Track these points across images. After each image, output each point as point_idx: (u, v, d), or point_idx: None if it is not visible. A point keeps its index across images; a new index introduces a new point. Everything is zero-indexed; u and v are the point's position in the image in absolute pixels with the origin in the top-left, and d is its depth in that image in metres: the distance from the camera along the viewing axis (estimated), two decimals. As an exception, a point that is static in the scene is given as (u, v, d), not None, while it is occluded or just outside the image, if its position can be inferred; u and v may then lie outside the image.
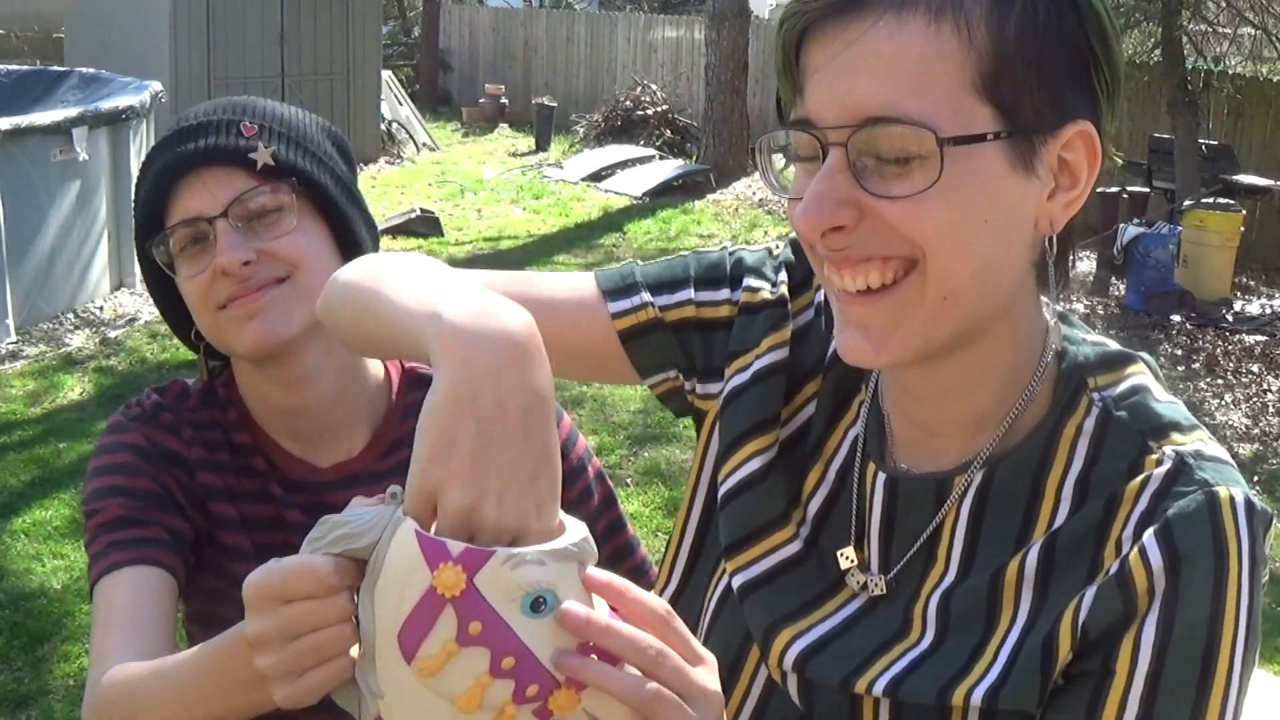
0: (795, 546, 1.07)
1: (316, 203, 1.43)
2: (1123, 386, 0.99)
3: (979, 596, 0.96)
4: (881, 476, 1.03)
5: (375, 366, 1.50)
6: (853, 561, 1.04)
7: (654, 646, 0.83)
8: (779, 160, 0.98)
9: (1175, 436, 0.95)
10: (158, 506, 1.38)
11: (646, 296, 1.14)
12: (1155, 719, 0.87)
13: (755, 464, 1.09)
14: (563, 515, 0.86)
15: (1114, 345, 1.03)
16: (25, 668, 4.05)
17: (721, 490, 1.11)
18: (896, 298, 0.92)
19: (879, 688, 0.97)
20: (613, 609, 0.85)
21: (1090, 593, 0.90)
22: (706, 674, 0.87)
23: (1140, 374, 1.00)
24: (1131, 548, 0.90)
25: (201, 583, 1.38)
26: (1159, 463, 0.93)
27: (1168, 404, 0.98)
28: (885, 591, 1.02)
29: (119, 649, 1.23)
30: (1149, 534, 0.89)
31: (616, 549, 1.61)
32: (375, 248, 1.49)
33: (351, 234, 1.46)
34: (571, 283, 1.17)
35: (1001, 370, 0.98)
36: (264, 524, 1.44)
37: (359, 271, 1.05)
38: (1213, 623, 0.88)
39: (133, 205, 1.49)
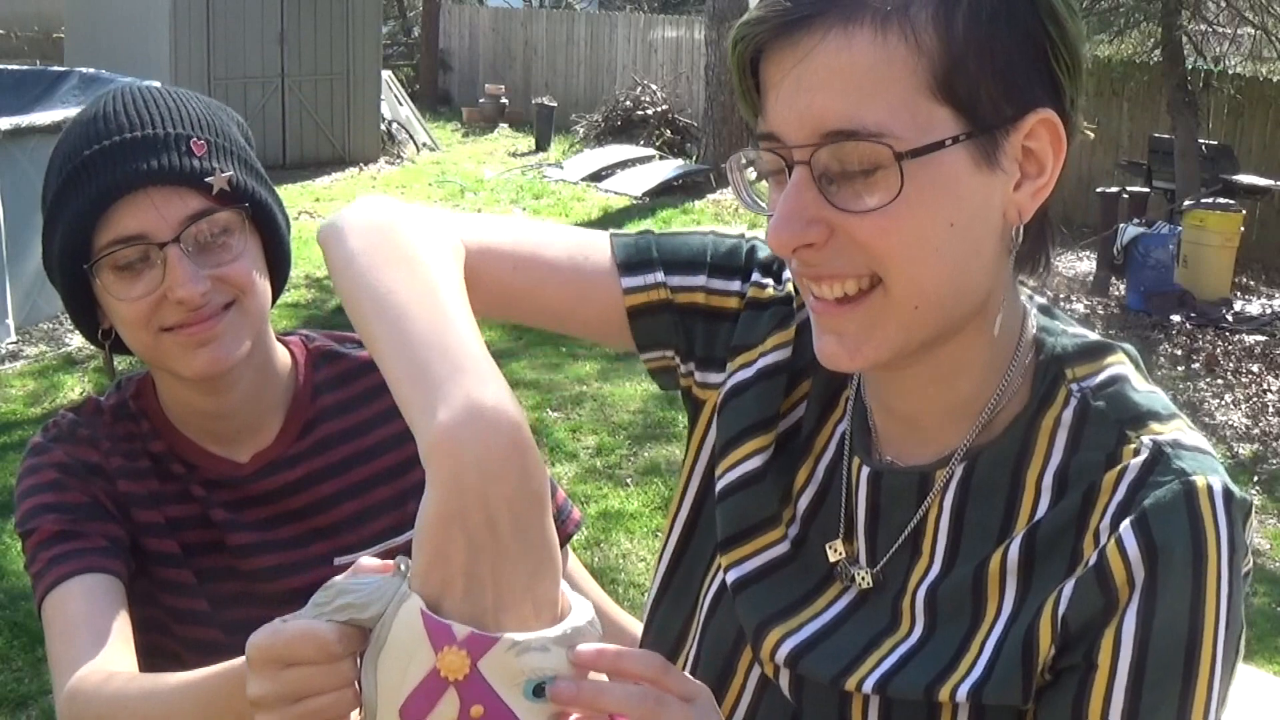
0: (784, 547, 1.08)
1: (258, 221, 1.41)
2: (1101, 377, 0.99)
3: (964, 589, 0.97)
4: (865, 470, 1.04)
5: (283, 352, 1.49)
6: (841, 554, 1.04)
7: (651, 693, 0.86)
8: (751, 174, 1.00)
9: (1153, 425, 0.95)
10: (90, 516, 1.37)
11: (660, 275, 1.14)
12: (1142, 711, 0.88)
13: (754, 462, 1.09)
14: (570, 595, 0.87)
15: (1094, 336, 1.03)
16: (25, 668, 4.05)
17: (719, 485, 1.11)
18: (868, 306, 0.93)
19: (868, 685, 0.97)
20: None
21: (1069, 586, 0.91)
22: (704, 706, 0.90)
23: (1119, 364, 1.00)
24: (1109, 539, 0.90)
25: (137, 614, 1.35)
26: (1136, 452, 0.93)
27: (1146, 393, 0.98)
28: (872, 585, 1.02)
29: (84, 657, 1.23)
30: (1125, 524, 0.89)
31: None
32: (288, 227, 1.47)
33: (282, 244, 1.46)
34: (585, 247, 1.16)
35: (980, 359, 0.99)
36: (190, 523, 1.44)
37: (361, 262, 0.98)
38: (1194, 614, 0.88)
39: (43, 204, 1.40)
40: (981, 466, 0.98)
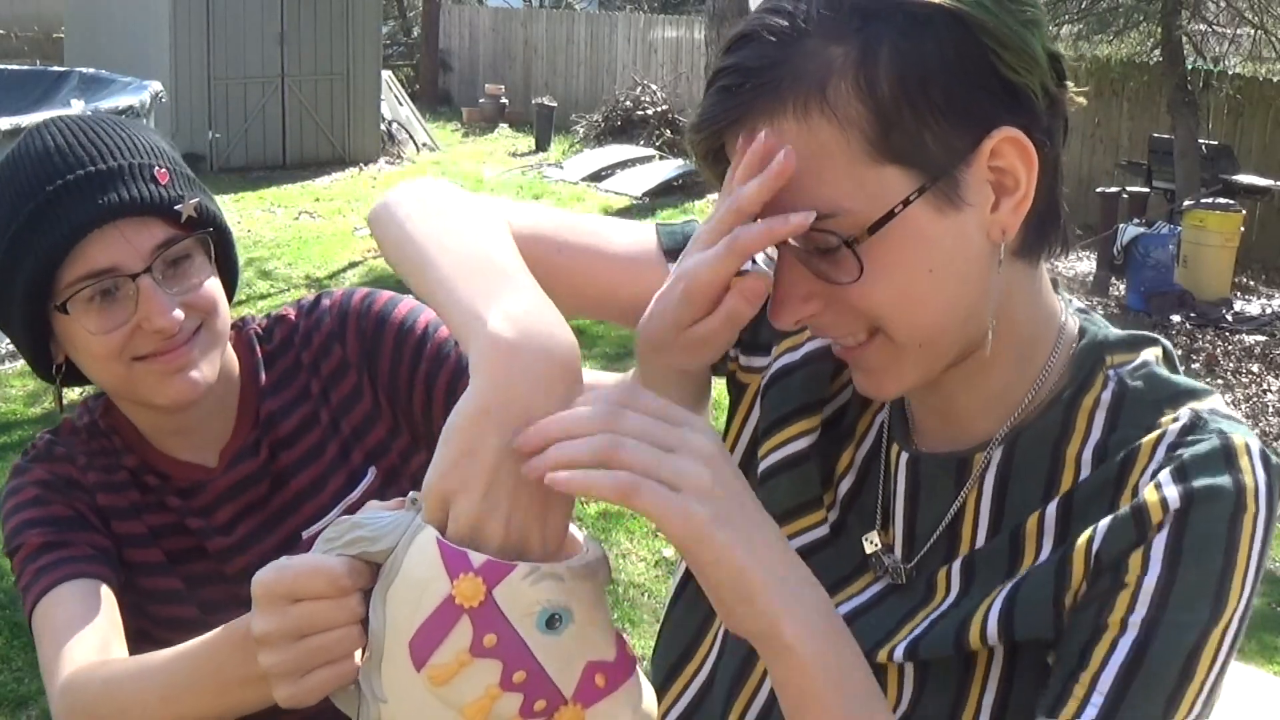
0: (824, 530, 1.09)
1: (217, 243, 1.42)
2: (1136, 362, 1.00)
3: (1000, 550, 0.97)
4: (904, 456, 1.04)
5: (232, 354, 1.49)
6: (877, 545, 1.05)
7: (605, 441, 0.82)
8: None
9: (1191, 402, 0.95)
10: (76, 527, 1.38)
11: None
12: (1163, 624, 0.86)
13: (800, 444, 1.10)
14: (579, 534, 0.87)
15: (1134, 331, 1.04)
16: (25, 668, 4.05)
17: (763, 465, 1.12)
18: (878, 348, 0.95)
19: (899, 653, 0.97)
20: None
21: (1104, 523, 0.90)
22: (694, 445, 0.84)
23: (1155, 353, 1.01)
24: (1147, 488, 0.90)
25: (126, 625, 1.35)
26: (1175, 420, 0.94)
27: (1181, 377, 0.99)
28: (906, 581, 1.03)
29: (75, 655, 1.22)
30: (1165, 473, 0.90)
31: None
32: (231, 234, 1.47)
33: (235, 258, 1.48)
34: (633, 235, 1.19)
35: (1011, 357, 0.99)
36: (170, 531, 1.45)
37: (413, 222, 1.04)
38: (1229, 551, 0.87)
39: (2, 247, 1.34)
40: (1021, 447, 0.99)
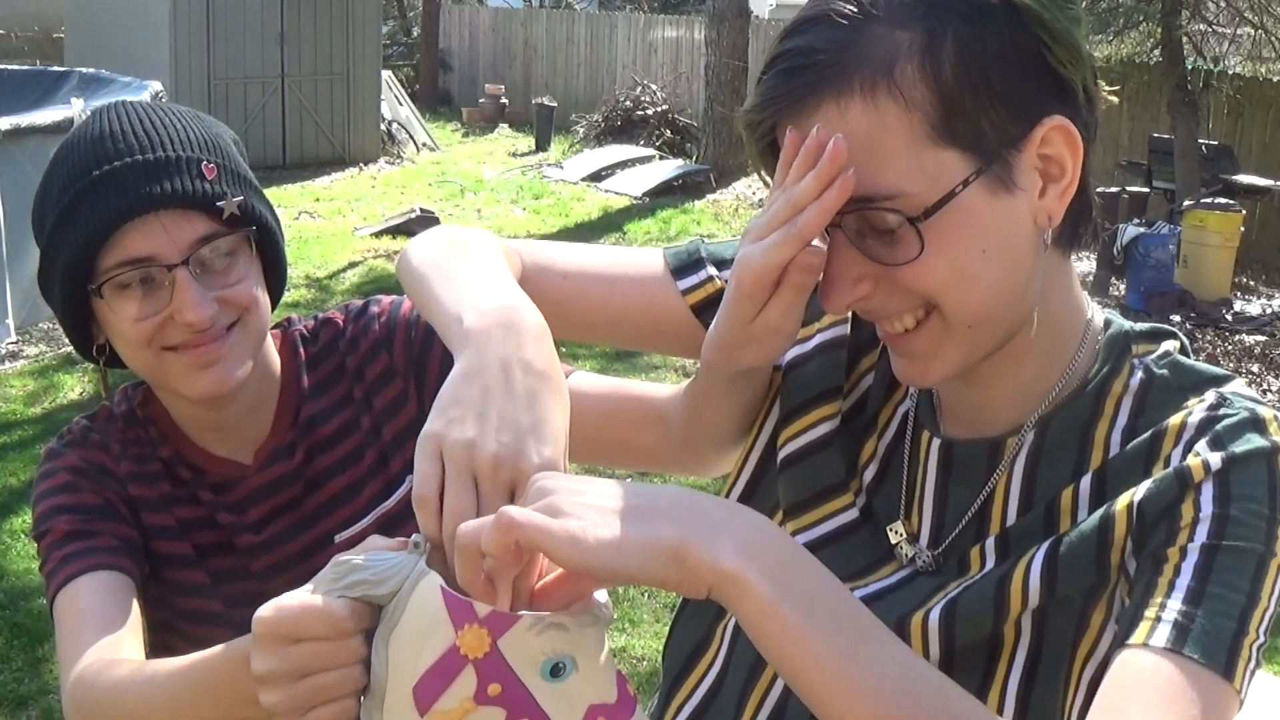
0: (852, 514, 1.10)
1: (261, 242, 1.42)
2: (1160, 351, 1.03)
3: (1036, 524, 0.99)
4: (936, 442, 1.07)
5: (274, 353, 1.50)
6: (902, 535, 1.07)
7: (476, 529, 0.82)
8: None
9: (1215, 387, 0.99)
10: (104, 517, 1.38)
11: (712, 270, 1.21)
12: (1224, 547, 0.87)
13: (821, 430, 1.13)
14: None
15: (1151, 324, 1.08)
16: (25, 668, 4.05)
17: (782, 454, 1.14)
18: (929, 332, 0.98)
19: (935, 616, 0.98)
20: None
21: (1146, 484, 0.93)
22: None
23: (1174, 345, 1.05)
24: (1185, 456, 0.92)
25: (150, 617, 1.36)
26: (1201, 400, 0.97)
27: (1204, 364, 1.03)
28: (935, 568, 1.04)
29: (91, 649, 1.23)
30: (1201, 443, 0.93)
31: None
32: (283, 239, 1.49)
33: (282, 262, 1.48)
34: (640, 259, 1.24)
35: (1044, 346, 1.02)
36: (200, 525, 1.45)
37: (421, 256, 1.13)
38: (1273, 494, 0.89)
39: (40, 218, 1.39)
40: (1053, 431, 1.02)
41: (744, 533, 0.81)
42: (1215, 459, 0.91)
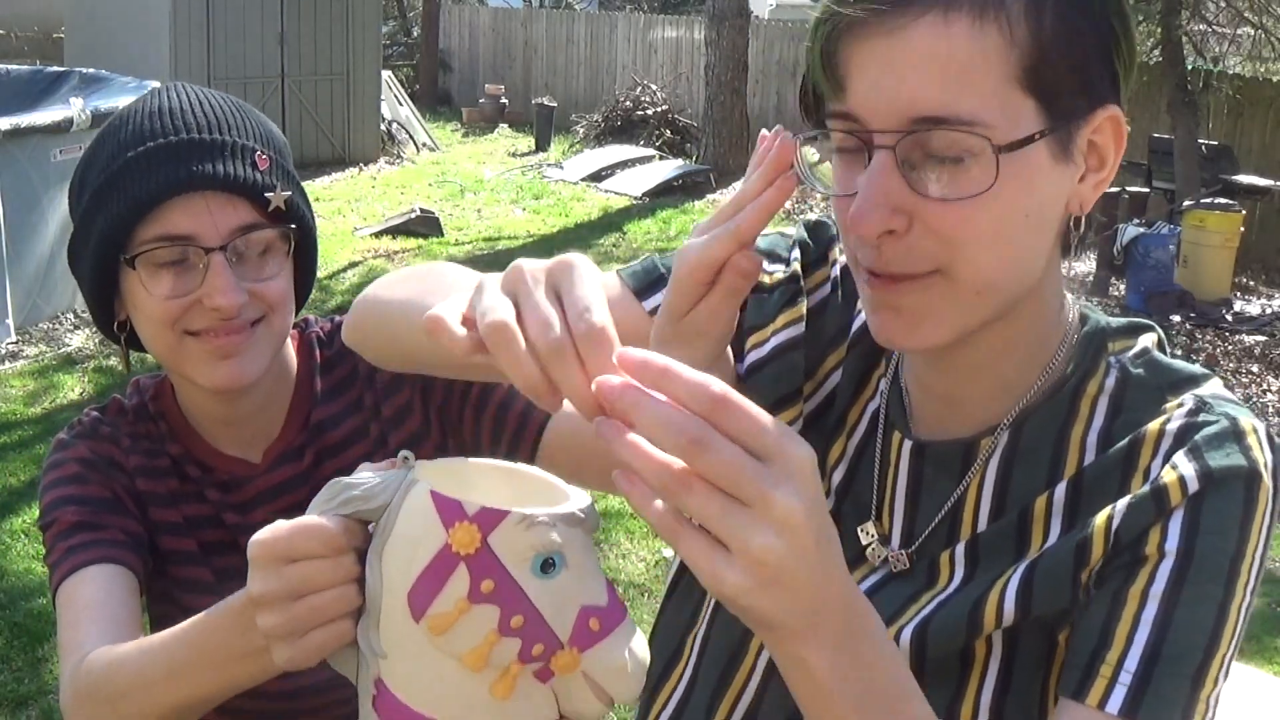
0: None
1: (298, 244, 1.41)
2: (1136, 349, 1.02)
3: (1008, 531, 0.98)
4: (908, 444, 1.05)
5: (291, 354, 1.49)
6: (873, 537, 1.05)
7: (692, 426, 0.71)
8: (811, 154, 0.98)
9: (1192, 388, 0.98)
10: (110, 510, 1.38)
11: None
12: (1181, 603, 0.88)
13: None
14: (564, 485, 0.87)
15: (1131, 318, 1.07)
16: (25, 668, 4.05)
17: None
18: (927, 287, 0.92)
19: (906, 635, 0.97)
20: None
21: (1122, 503, 0.92)
22: (784, 468, 0.73)
23: (1152, 339, 1.04)
24: (1162, 469, 0.92)
25: (154, 611, 1.37)
26: (1180, 405, 0.96)
27: (1180, 362, 1.02)
28: (908, 566, 1.03)
29: (90, 641, 1.22)
30: (1180, 454, 0.92)
31: (501, 404, 1.49)
32: (317, 241, 1.48)
33: (313, 267, 1.47)
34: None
35: (1028, 341, 1.00)
36: (206, 522, 1.45)
37: (390, 295, 1.09)
38: (1243, 528, 0.89)
39: (84, 185, 1.38)
40: (1027, 433, 1.00)
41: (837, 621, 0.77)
42: (1192, 475, 0.90)
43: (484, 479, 0.90)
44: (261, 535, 0.88)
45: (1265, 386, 7.70)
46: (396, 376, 1.48)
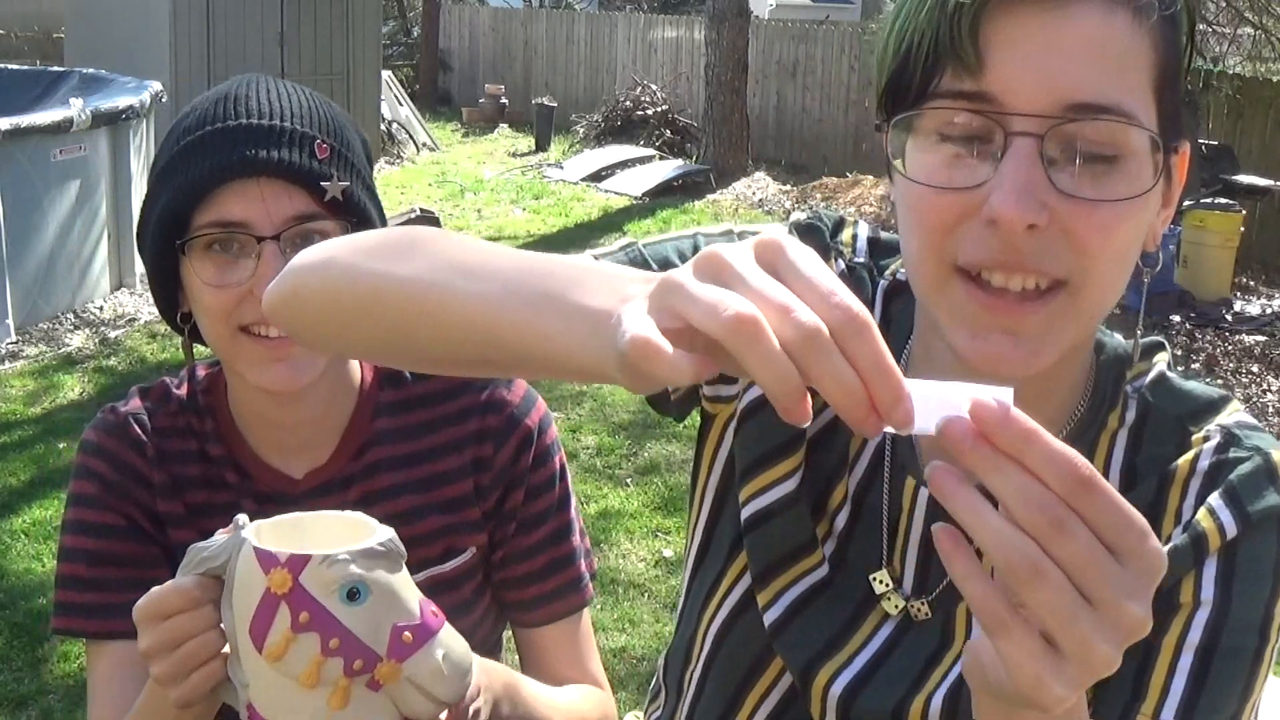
0: (823, 571, 1.03)
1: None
2: (1151, 375, 0.99)
3: None
4: (924, 492, 0.99)
5: (355, 368, 1.45)
6: (888, 585, 1.01)
7: (1051, 509, 0.61)
8: (903, 140, 0.88)
9: (1214, 418, 0.95)
10: (124, 538, 1.40)
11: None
12: (1221, 647, 0.86)
13: (786, 486, 1.04)
14: (372, 521, 1.01)
15: (1142, 339, 1.02)
16: (25, 668, 4.05)
17: (747, 512, 1.05)
18: (1052, 307, 0.84)
19: (937, 702, 0.95)
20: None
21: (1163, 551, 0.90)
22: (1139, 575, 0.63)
23: (1165, 358, 1.01)
24: (1196, 512, 0.89)
25: None
26: (1206, 438, 0.93)
27: (1193, 385, 0.99)
28: (930, 615, 0.99)
29: (99, 716, 1.37)
30: (1214, 497, 0.89)
31: (555, 560, 1.48)
32: None
33: None
34: None
35: (1070, 378, 0.97)
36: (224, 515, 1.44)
37: (363, 257, 0.85)
38: (1276, 572, 0.87)
39: (152, 174, 1.37)
40: None
41: None
42: (1230, 521, 0.88)
43: (322, 528, 1.03)
44: (140, 601, 1.04)
45: (1265, 386, 7.70)
46: (468, 437, 1.43)
